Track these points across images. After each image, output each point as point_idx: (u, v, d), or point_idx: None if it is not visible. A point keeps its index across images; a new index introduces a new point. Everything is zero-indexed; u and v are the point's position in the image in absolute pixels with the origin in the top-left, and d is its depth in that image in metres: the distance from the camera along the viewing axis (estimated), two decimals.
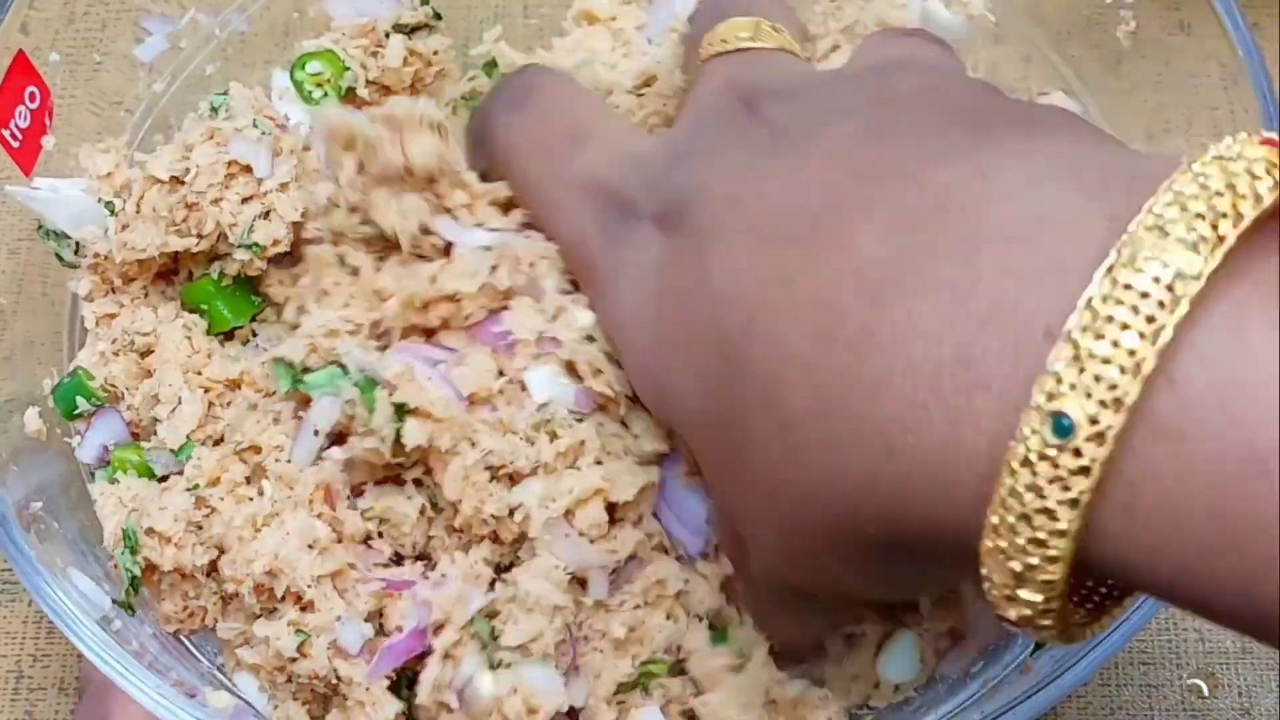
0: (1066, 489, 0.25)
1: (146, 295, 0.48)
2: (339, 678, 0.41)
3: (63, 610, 0.41)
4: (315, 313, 0.44)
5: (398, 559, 0.44)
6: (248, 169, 0.45)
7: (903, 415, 0.27)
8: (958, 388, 0.27)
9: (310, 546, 0.41)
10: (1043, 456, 0.25)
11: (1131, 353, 0.24)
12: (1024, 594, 0.27)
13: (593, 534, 0.41)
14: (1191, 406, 0.24)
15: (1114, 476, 0.25)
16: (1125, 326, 0.24)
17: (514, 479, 0.41)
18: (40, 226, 0.47)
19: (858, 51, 0.40)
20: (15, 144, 0.46)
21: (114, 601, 0.43)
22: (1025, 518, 0.26)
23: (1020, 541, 0.26)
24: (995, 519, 0.26)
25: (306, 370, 0.42)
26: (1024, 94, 0.50)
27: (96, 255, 0.47)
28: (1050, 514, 0.25)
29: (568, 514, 0.41)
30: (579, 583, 0.42)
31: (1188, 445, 0.24)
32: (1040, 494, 0.25)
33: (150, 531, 0.42)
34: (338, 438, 0.43)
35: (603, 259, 0.39)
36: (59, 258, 0.48)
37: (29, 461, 0.46)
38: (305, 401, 0.43)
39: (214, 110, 0.48)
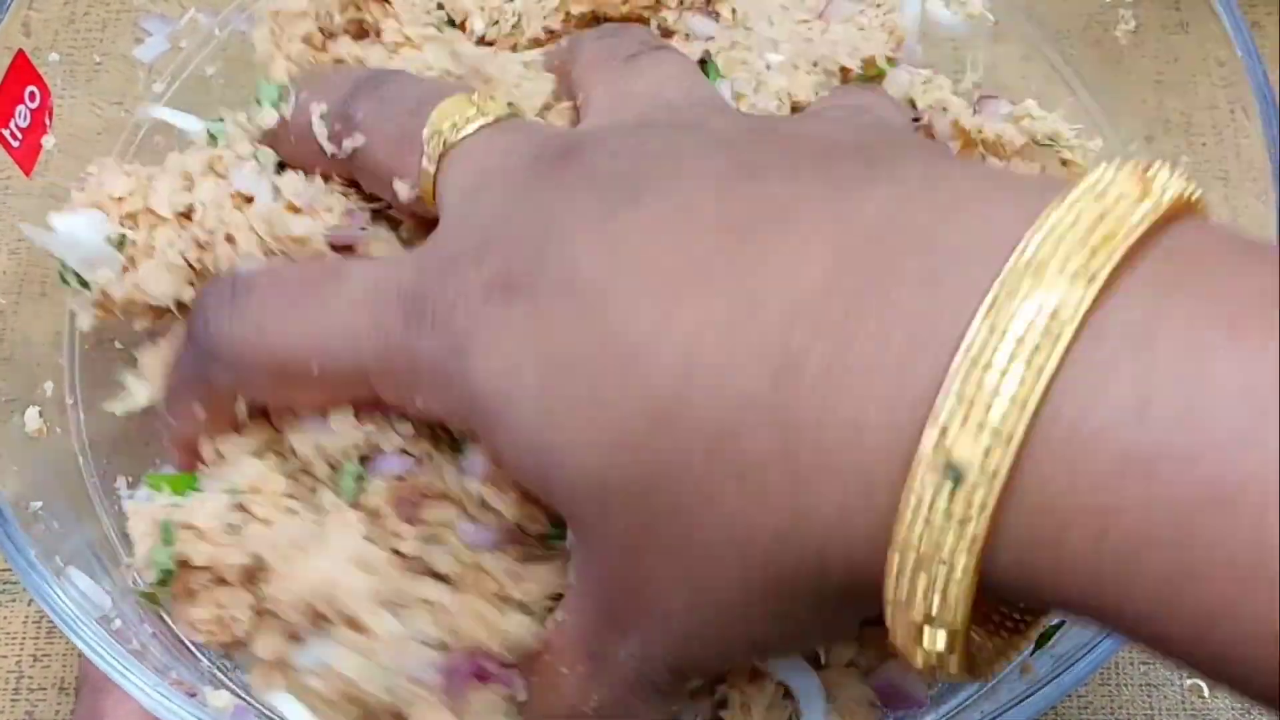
0: (961, 533, 0.25)
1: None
2: (406, 707, 0.40)
3: (62, 610, 0.41)
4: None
5: None
6: (250, 200, 0.43)
7: (880, 450, 0.27)
8: (912, 424, 0.26)
9: (363, 569, 0.40)
10: (933, 503, 0.25)
11: (1015, 391, 0.24)
12: (927, 638, 0.27)
13: None
14: (1075, 440, 0.24)
15: (1008, 510, 0.25)
16: (1007, 364, 0.24)
17: None
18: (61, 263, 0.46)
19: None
20: (15, 144, 0.46)
21: (141, 594, 0.43)
22: (920, 564, 0.26)
23: (919, 589, 0.26)
24: (894, 565, 0.27)
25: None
26: (1022, 94, 0.50)
27: (104, 295, 0.45)
28: (946, 562, 0.26)
29: None
30: None
31: (1075, 476, 0.24)
32: (935, 541, 0.26)
33: (188, 526, 0.41)
34: None
35: (428, 345, 0.34)
36: (69, 280, 0.46)
37: (29, 461, 0.46)
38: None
39: (212, 139, 0.46)
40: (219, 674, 0.45)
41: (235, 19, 0.53)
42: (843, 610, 0.32)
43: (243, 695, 0.44)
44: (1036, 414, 0.24)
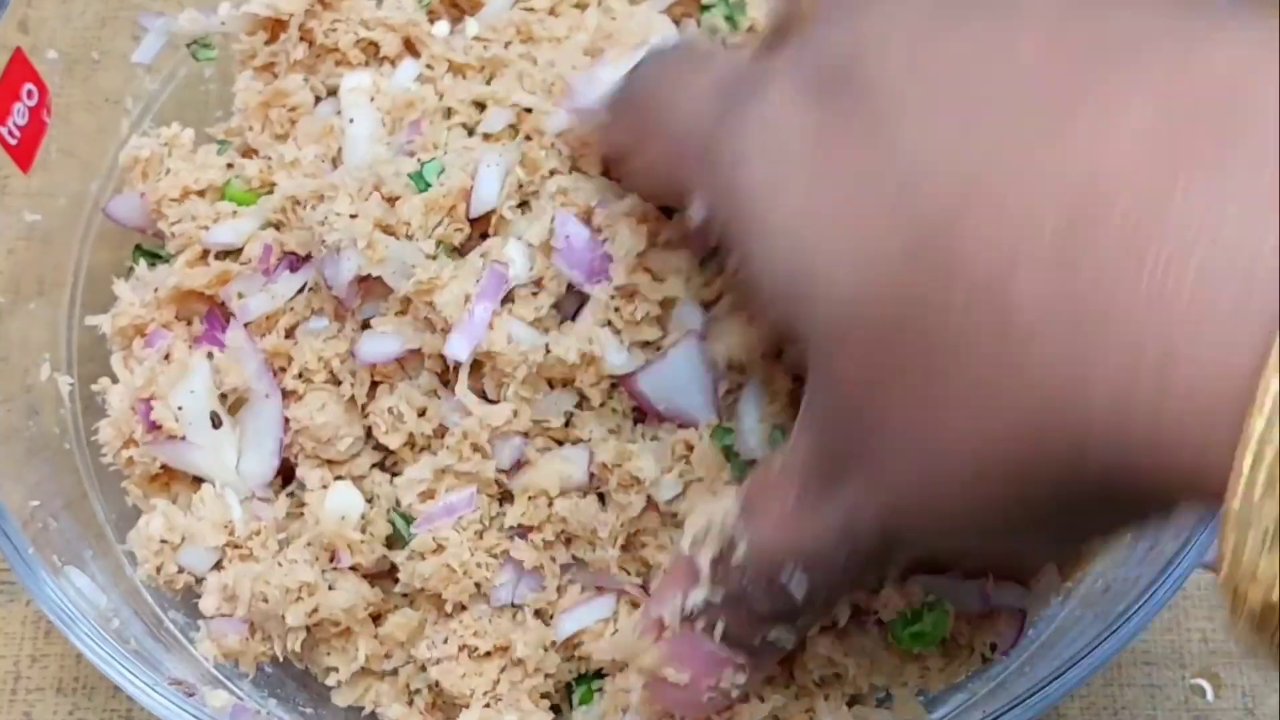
0: None
1: None
2: None
3: (61, 609, 0.40)
4: None
5: None
6: None
7: (1190, 329, 0.23)
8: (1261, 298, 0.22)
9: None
10: None
11: None
12: (1266, 566, 0.22)
13: None
14: None
15: None
16: None
17: None
18: None
19: None
20: (13, 141, 0.46)
21: None
22: None
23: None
24: (1249, 462, 0.22)
25: None
26: None
27: None
28: None
29: None
30: None
31: None
32: None
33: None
34: None
35: (719, 129, 0.34)
36: None
37: (28, 461, 0.45)
38: None
39: None
40: (217, 674, 0.45)
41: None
42: (1087, 513, 0.28)
43: (240, 695, 0.44)
44: None
